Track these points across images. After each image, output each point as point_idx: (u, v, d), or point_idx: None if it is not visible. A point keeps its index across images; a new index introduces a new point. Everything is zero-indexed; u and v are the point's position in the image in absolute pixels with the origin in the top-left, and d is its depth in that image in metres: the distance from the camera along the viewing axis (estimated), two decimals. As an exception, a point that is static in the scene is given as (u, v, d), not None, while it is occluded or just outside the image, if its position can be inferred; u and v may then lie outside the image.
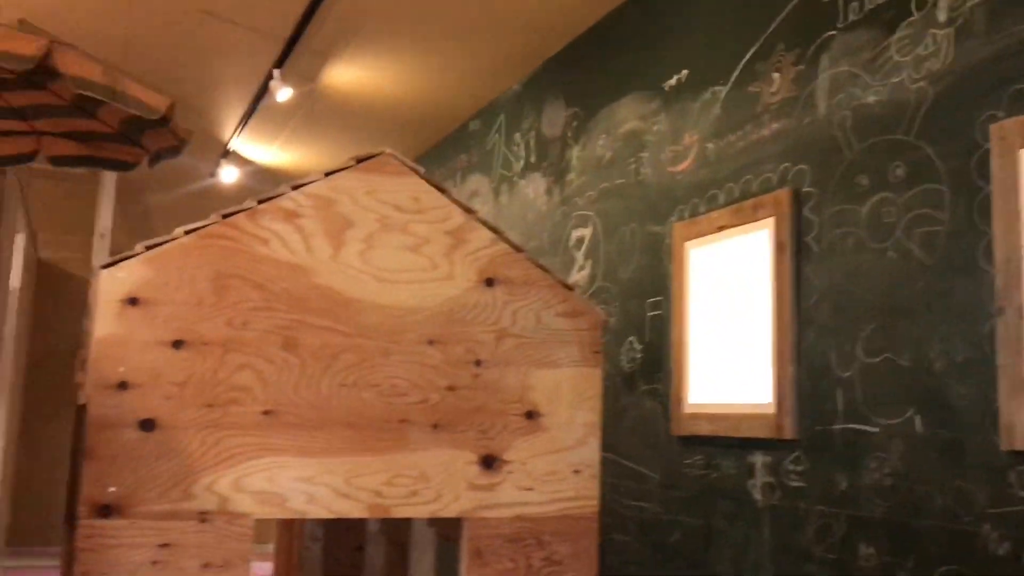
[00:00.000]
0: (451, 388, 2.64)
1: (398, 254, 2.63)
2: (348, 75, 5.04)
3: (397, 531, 3.74)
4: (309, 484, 2.47)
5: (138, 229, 7.89)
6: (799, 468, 2.91)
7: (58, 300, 8.20)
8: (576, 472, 2.77)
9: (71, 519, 2.95)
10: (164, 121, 3.83)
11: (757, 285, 3.15)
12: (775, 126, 3.15)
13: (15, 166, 4.51)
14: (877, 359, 2.68)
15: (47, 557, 7.00)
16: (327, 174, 2.61)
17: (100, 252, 5.91)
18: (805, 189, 3.00)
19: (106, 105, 3.77)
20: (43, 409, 7.89)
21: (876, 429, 2.66)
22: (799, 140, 3.04)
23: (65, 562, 3.25)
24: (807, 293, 2.95)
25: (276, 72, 4.82)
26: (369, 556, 4.05)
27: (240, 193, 6.58)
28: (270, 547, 5.99)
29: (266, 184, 6.55)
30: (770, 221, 3.09)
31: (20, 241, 6.11)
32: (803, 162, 3.02)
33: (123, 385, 2.34)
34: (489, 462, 2.66)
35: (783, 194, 3.05)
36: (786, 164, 3.09)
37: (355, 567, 4.16)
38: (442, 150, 6.16)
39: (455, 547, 2.82)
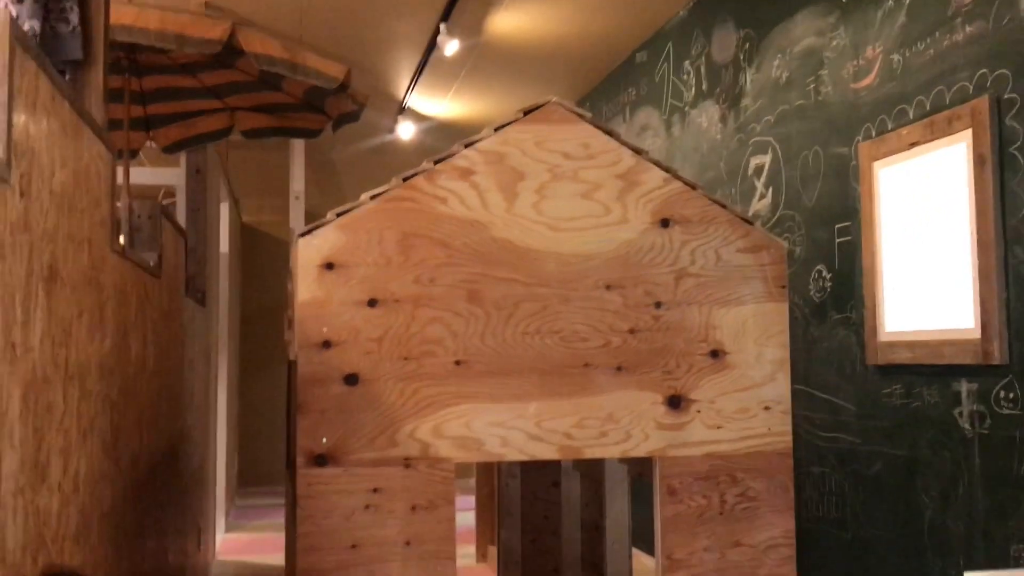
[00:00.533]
0: (632, 331, 2.66)
1: (571, 202, 2.65)
2: (511, 22, 5.05)
3: (591, 468, 3.84)
4: (502, 428, 2.57)
5: (328, 187, 8.31)
6: (1012, 394, 2.74)
7: (262, 261, 8.82)
8: (767, 408, 2.73)
9: (291, 466, 3.23)
10: (343, 88, 4.01)
11: (955, 203, 2.95)
12: (969, 29, 2.90)
13: (215, 141, 4.85)
14: (1097, 275, 2.46)
15: (272, 496, 7.66)
16: (496, 129, 2.66)
17: (296, 213, 6.30)
18: (1006, 96, 2.76)
19: (288, 78, 3.99)
20: (256, 362, 8.55)
21: (1098, 351, 2.45)
22: (998, 43, 2.80)
23: (289, 504, 3.56)
24: (1013, 207, 2.74)
25: (443, 27, 4.90)
26: (565, 491, 4.17)
27: (417, 148, 6.79)
28: (472, 481, 6.30)
29: (440, 137, 6.73)
30: (967, 134, 2.87)
31: (225, 209, 6.59)
32: (1003, 67, 2.78)
33: (327, 344, 2.52)
34: (676, 402, 2.67)
35: (981, 103, 2.82)
36: (983, 71, 2.85)
37: (551, 502, 4.30)
38: (609, 86, 6.08)
39: (648, 483, 2.86)
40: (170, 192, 5.61)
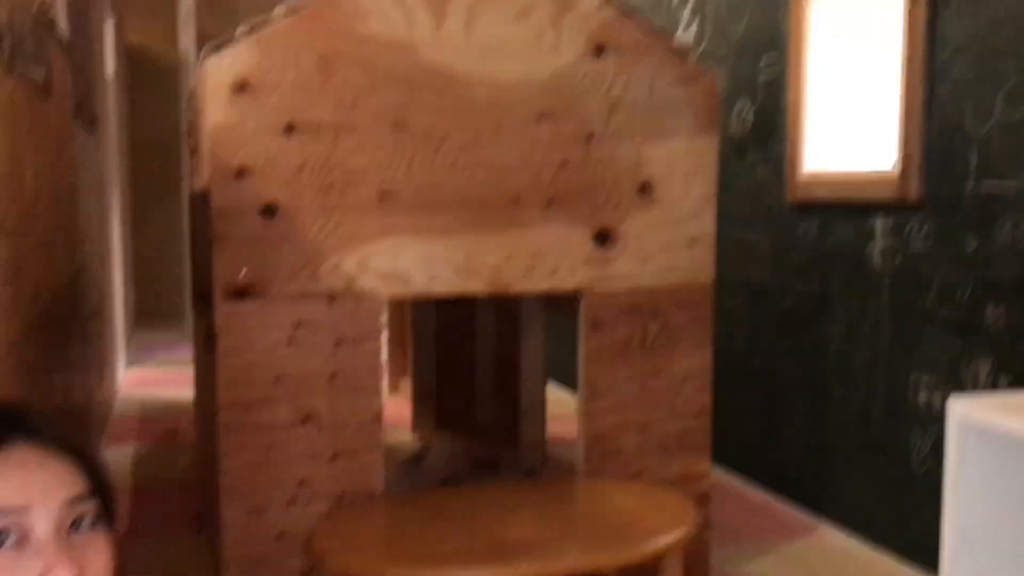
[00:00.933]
0: (563, 164, 2.59)
1: (503, 25, 2.51)
2: None
3: (506, 301, 3.86)
4: (430, 263, 2.51)
5: (220, 8, 7.73)
6: (924, 231, 2.82)
7: (150, 88, 8.26)
8: (692, 244, 2.74)
9: (201, 301, 3.11)
10: None
11: (885, 39, 2.92)
12: None
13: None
14: (1019, 114, 2.50)
15: (173, 331, 7.50)
16: (426, -60, 2.46)
17: (187, 34, 5.85)
18: (946, -73, 2.70)
19: None
20: (149, 196, 8.16)
21: (1013, 187, 2.53)
22: None
23: (198, 340, 3.46)
24: (943, 45, 2.73)
25: None
26: (479, 324, 4.20)
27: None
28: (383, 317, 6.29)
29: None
30: (903, -34, 2.81)
31: (110, 27, 6.08)
32: None
33: (241, 173, 2.36)
34: (604, 237, 2.65)
35: (920, -66, 2.75)
36: (925, -102, 2.76)
37: (465, 335, 4.33)
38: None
39: (565, 318, 2.88)
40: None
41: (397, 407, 5.11)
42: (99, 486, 0.90)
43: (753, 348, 3.69)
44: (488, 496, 2.56)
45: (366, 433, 2.52)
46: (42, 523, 0.82)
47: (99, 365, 4.40)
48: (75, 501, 0.86)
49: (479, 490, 2.66)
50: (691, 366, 2.79)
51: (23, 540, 0.81)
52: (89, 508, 0.87)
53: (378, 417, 2.54)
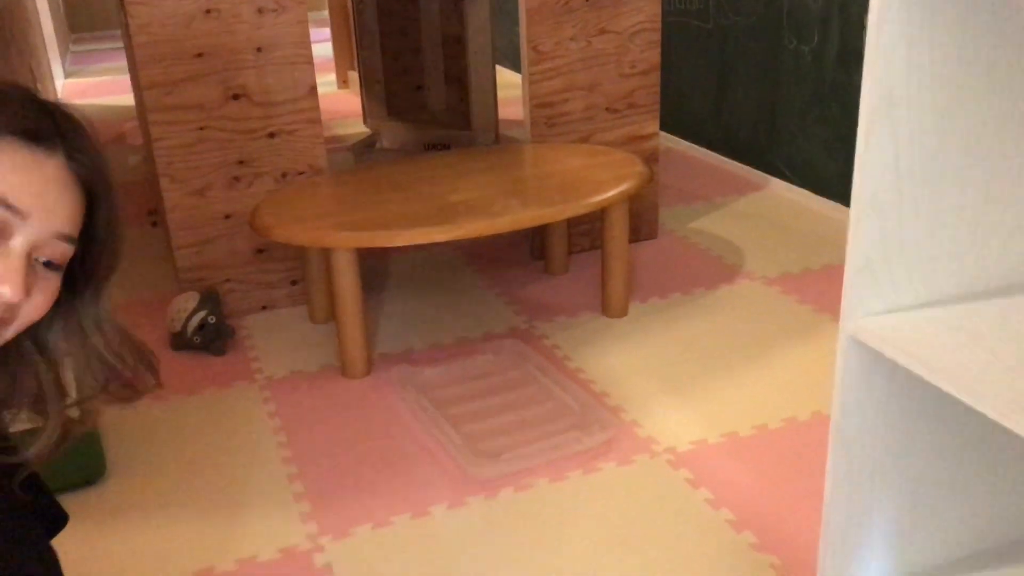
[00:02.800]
0: None
1: None
2: None
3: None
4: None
5: None
6: None
7: None
8: None
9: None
10: None
11: None
12: None
13: None
14: None
15: (110, 40, 7.13)
16: None
17: None
18: None
19: None
20: None
21: None
22: None
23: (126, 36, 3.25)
24: None
25: None
26: (423, 7, 3.98)
27: None
28: (324, 13, 5.97)
29: None
30: None
31: None
32: None
33: None
34: None
35: None
36: None
37: (410, 19, 4.11)
38: None
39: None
40: None
41: (347, 101, 4.98)
42: (92, 239, 0.87)
43: (705, 7, 3.53)
44: (434, 166, 2.54)
45: (302, 108, 2.44)
46: (26, 237, 0.78)
47: (30, 76, 4.18)
48: (63, 239, 0.82)
49: (425, 160, 2.63)
50: (639, 21, 2.66)
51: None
52: (67, 251, 0.83)
53: (312, 91, 2.45)
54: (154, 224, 3.26)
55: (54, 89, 5.30)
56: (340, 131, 4.33)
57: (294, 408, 2.08)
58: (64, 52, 6.52)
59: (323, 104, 2.59)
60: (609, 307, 2.43)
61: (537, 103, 2.63)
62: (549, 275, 2.71)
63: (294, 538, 1.66)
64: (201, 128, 2.35)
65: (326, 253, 2.15)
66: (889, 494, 1.02)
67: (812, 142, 3.11)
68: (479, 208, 2.15)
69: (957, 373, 0.80)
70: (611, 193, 2.24)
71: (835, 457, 0.99)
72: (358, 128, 4.37)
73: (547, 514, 1.69)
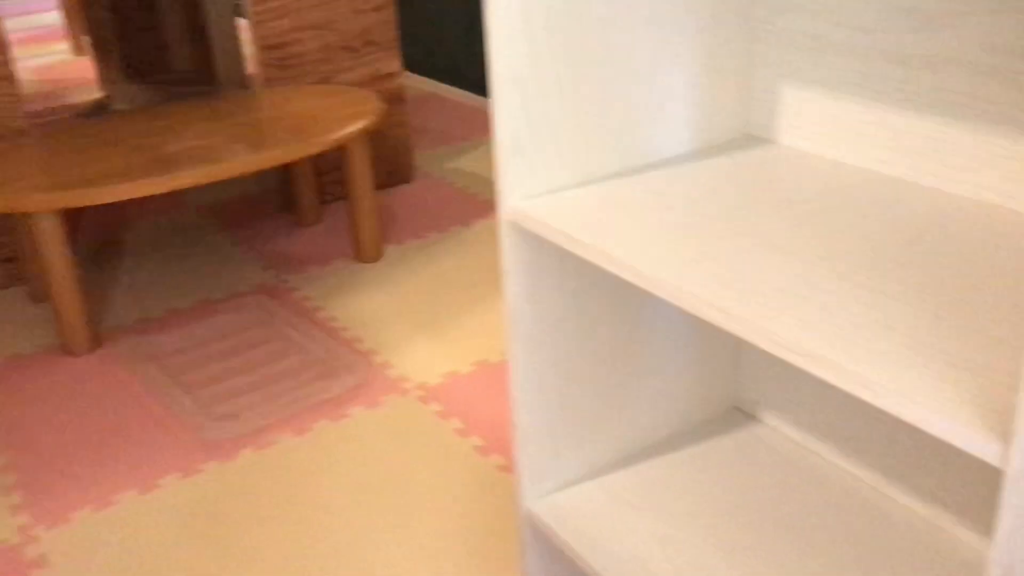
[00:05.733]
0: None
1: None
2: None
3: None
4: None
5: None
6: None
7: None
8: None
9: None
10: None
11: None
12: None
13: None
14: None
15: None
16: None
17: None
18: None
19: None
20: None
21: None
22: None
23: None
24: None
25: None
26: (153, -41, 3.69)
27: None
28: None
29: None
30: None
31: None
32: None
33: None
34: None
35: None
36: None
37: (142, -27, 3.80)
38: None
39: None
40: None
41: (84, 69, 4.58)
42: None
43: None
44: (157, 118, 2.33)
45: (-10, 63, 2.17)
46: None
47: None
48: None
49: (142, 114, 2.42)
50: (367, -45, 2.55)
51: None
52: None
53: (2, 45, 2.18)
54: None
55: None
56: (76, 100, 3.96)
57: (12, 394, 1.86)
58: None
59: (57, 73, 2.33)
60: (361, 252, 2.34)
61: (265, 44, 2.47)
62: (300, 227, 2.58)
63: (2, 533, 1.47)
64: None
65: (31, 223, 1.92)
66: (575, 385, 0.99)
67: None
68: (200, 156, 1.99)
69: (607, 245, 0.77)
70: (347, 130, 2.14)
71: (515, 348, 0.95)
72: (95, 95, 4.01)
73: (294, 469, 1.59)
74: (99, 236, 2.61)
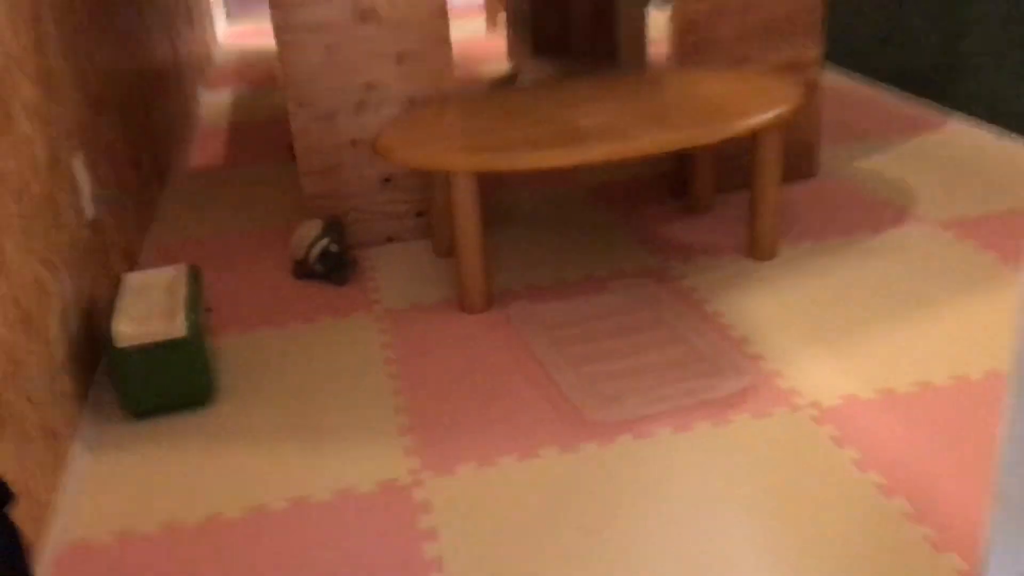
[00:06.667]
0: None
1: None
2: None
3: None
4: None
5: None
6: None
7: None
8: None
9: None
10: None
11: None
12: None
13: None
14: None
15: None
16: None
17: None
18: None
19: None
20: None
21: None
22: None
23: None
24: None
25: None
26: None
27: None
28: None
29: None
30: None
31: None
32: None
33: None
34: None
35: None
36: None
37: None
38: None
39: None
40: None
41: (494, 43, 4.85)
42: None
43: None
44: (566, 91, 2.36)
45: (431, 30, 2.31)
46: None
47: (190, 20, 4.27)
48: None
49: (558, 87, 2.46)
50: (803, -66, 2.38)
51: None
52: None
53: (442, 11, 2.32)
54: (292, 158, 3.25)
55: (213, 32, 5.44)
56: (485, 71, 4.21)
57: (409, 341, 1.98)
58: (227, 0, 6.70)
59: (470, 47, 2.47)
60: (756, 248, 2.20)
61: (683, 26, 2.40)
62: (690, 214, 2.50)
63: (394, 471, 1.56)
64: (328, 49, 2.27)
65: (449, 181, 2.02)
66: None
67: (1004, 71, 2.73)
68: (612, 132, 1.97)
69: None
70: (762, 117, 2.01)
71: (1014, 418, 0.78)
72: (502, 69, 4.23)
73: (668, 466, 1.52)
74: (496, 201, 2.72)
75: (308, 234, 2.28)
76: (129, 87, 2.65)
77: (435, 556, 1.36)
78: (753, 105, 2.09)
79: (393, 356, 1.93)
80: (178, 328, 1.68)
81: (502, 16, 4.86)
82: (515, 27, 4.25)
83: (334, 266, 2.25)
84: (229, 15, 6.41)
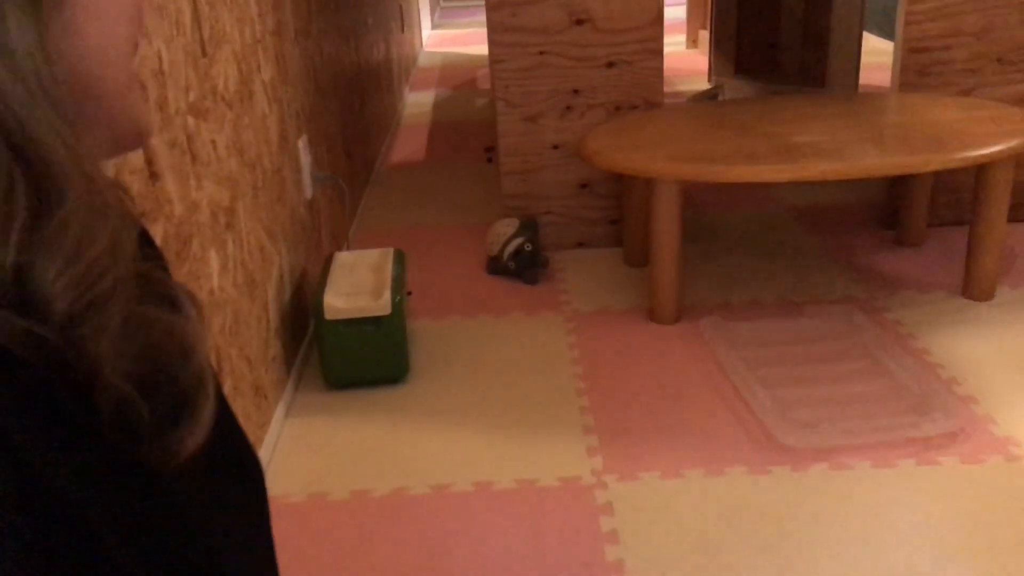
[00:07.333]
0: None
1: None
2: None
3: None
4: None
5: None
6: None
7: None
8: None
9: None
10: None
11: None
12: None
13: None
14: None
15: None
16: None
17: None
18: None
19: None
20: None
21: None
22: None
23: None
24: None
25: None
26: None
27: None
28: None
29: None
30: None
31: None
32: None
33: None
34: None
35: None
36: None
37: (774, -28, 3.83)
38: None
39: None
40: None
41: (694, 60, 4.80)
42: None
43: None
44: (781, 106, 2.30)
45: (644, 38, 2.31)
46: None
47: (401, 23, 4.47)
48: None
49: (771, 102, 2.40)
50: (1054, -43, 2.22)
51: None
52: None
53: (658, 19, 2.31)
54: (489, 160, 3.32)
55: (420, 37, 5.65)
56: (683, 88, 4.17)
57: (596, 344, 1.98)
58: (434, 7, 6.96)
59: (669, 63, 2.45)
60: (972, 287, 2.06)
61: (911, 47, 2.29)
62: (900, 246, 2.38)
63: (577, 470, 1.55)
64: (541, 52, 2.31)
65: (649, 188, 2.01)
66: None
67: None
68: (828, 151, 1.90)
69: None
70: (992, 149, 1.88)
71: None
72: (702, 86, 4.17)
73: (866, 502, 1.44)
74: (693, 216, 2.68)
75: (504, 232, 2.32)
76: (348, 79, 2.79)
77: (617, 559, 1.34)
78: (983, 135, 1.96)
79: (579, 357, 1.93)
80: (383, 306, 1.74)
81: (703, 34, 4.80)
82: (718, 45, 4.19)
83: (527, 265, 2.28)
84: (435, 23, 6.66)
